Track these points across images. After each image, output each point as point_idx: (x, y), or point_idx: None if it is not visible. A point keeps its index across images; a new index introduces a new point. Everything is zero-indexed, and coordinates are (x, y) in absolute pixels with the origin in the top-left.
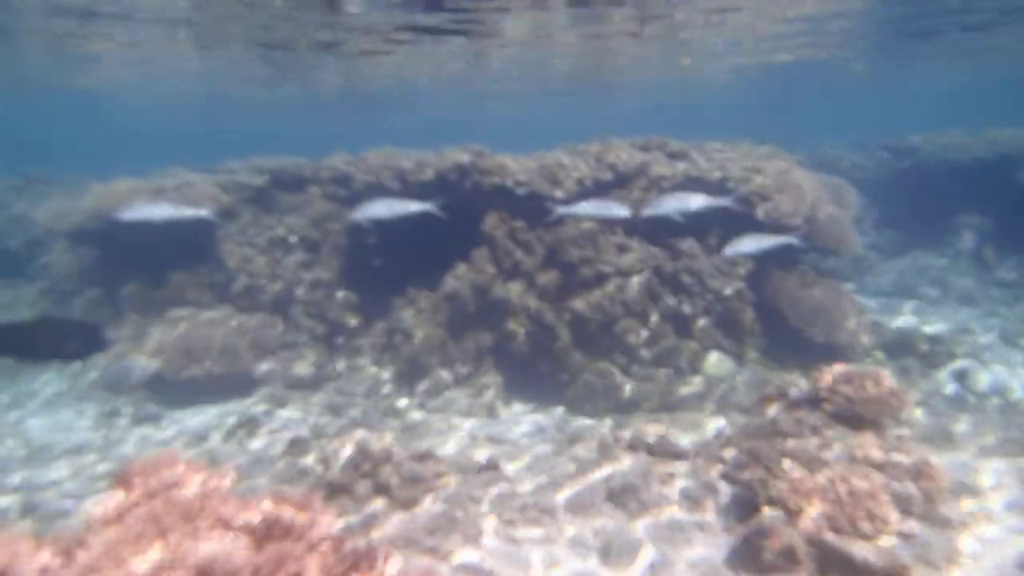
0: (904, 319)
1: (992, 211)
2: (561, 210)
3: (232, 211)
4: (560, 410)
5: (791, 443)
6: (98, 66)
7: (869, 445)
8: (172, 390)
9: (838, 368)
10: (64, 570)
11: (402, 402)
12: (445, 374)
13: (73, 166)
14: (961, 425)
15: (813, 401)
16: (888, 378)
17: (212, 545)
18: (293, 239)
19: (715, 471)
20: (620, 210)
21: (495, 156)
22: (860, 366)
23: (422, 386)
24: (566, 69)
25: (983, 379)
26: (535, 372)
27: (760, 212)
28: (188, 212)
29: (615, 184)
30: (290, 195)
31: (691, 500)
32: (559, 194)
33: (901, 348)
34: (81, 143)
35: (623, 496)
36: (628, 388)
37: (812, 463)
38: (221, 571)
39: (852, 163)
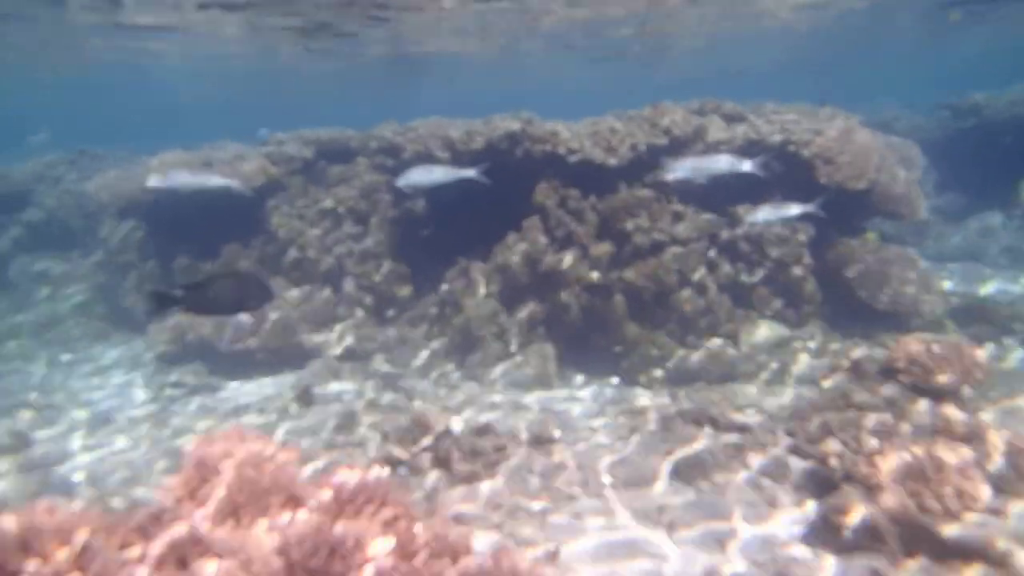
0: (973, 285)
1: None
2: (668, 175)
3: (281, 183)
4: (615, 381)
5: (867, 416)
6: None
7: (952, 418)
8: (227, 362)
9: (914, 337)
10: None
11: (455, 374)
12: (497, 345)
13: (117, 141)
14: None
15: (888, 372)
16: (969, 347)
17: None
18: (342, 210)
19: (784, 445)
20: (730, 164)
21: (546, 123)
22: (938, 336)
23: (475, 358)
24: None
25: None
26: (589, 343)
27: (823, 175)
28: (218, 181)
29: (671, 149)
30: (338, 166)
31: (762, 474)
32: (613, 161)
33: (972, 315)
34: (124, 118)
35: (690, 471)
36: (685, 359)
37: (891, 436)
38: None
39: (911, 124)
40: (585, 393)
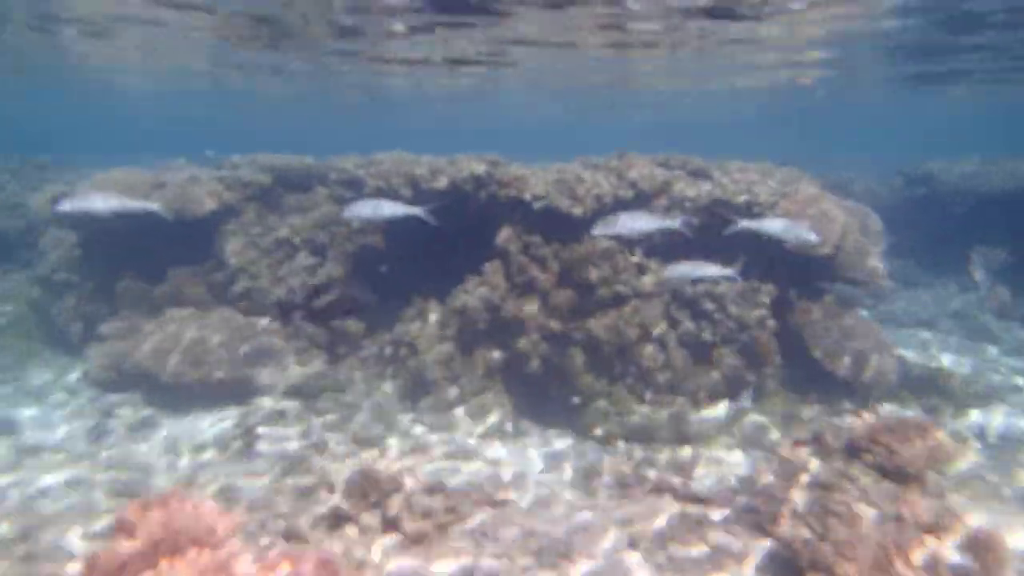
0: (925, 353)
1: (1011, 243)
2: (598, 231)
3: (235, 209)
4: (571, 435)
5: (832, 497)
6: (109, 52)
7: (917, 504)
8: (168, 394)
9: (877, 415)
10: None
11: (406, 417)
12: (452, 391)
13: (74, 154)
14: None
15: (851, 450)
16: (935, 429)
17: None
18: (298, 241)
19: (747, 521)
20: (659, 223)
21: (512, 167)
22: (900, 414)
23: (427, 402)
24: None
25: (1021, 424)
26: (546, 394)
27: (785, 240)
28: (136, 205)
29: (635, 202)
30: (296, 195)
31: (724, 553)
32: (577, 211)
33: (927, 386)
34: (84, 130)
35: (650, 544)
36: (643, 415)
37: (856, 522)
38: None
39: (865, 187)
40: (540, 446)
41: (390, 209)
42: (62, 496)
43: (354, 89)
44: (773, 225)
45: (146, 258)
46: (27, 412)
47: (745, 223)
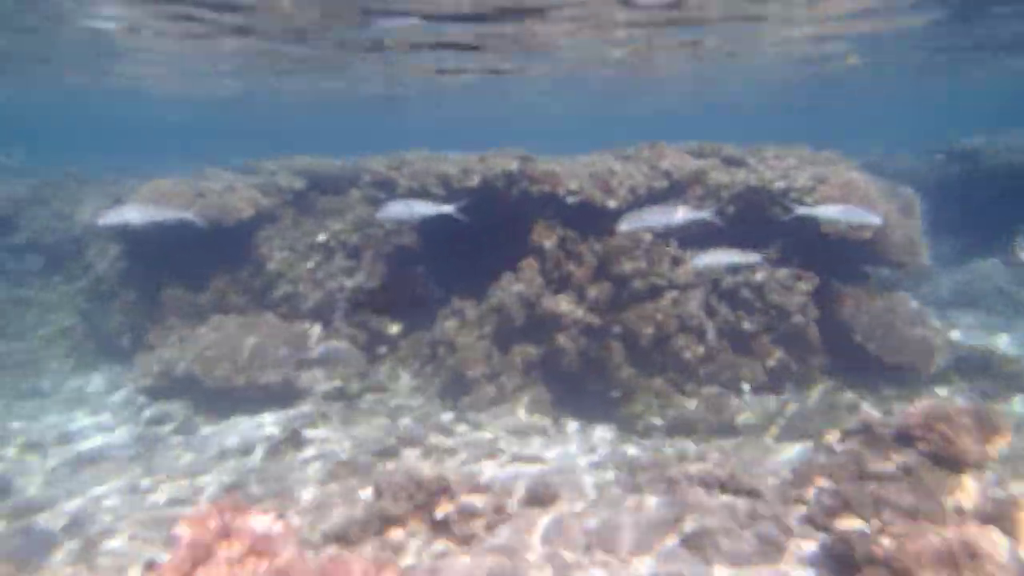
0: (971, 334)
1: None
2: (624, 226)
3: (272, 214)
4: (612, 429)
5: (886, 488)
6: (133, 58)
7: (976, 495)
8: (213, 399)
9: (932, 401)
10: None
11: (446, 416)
12: (491, 388)
13: (101, 160)
14: None
15: (904, 438)
16: (991, 414)
17: None
18: (334, 244)
19: (796, 514)
20: (686, 215)
21: (544, 162)
22: (949, 398)
23: (467, 400)
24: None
25: None
26: (585, 388)
27: (827, 224)
28: (172, 215)
29: (670, 192)
30: (330, 198)
31: (773, 546)
32: (612, 204)
33: (978, 368)
34: (109, 137)
35: (698, 539)
36: (684, 408)
37: (914, 514)
38: None
39: (903, 166)
40: (581, 441)
41: (422, 209)
42: (117, 504)
43: (373, 88)
44: (832, 211)
45: (188, 266)
46: (80, 420)
47: (803, 210)
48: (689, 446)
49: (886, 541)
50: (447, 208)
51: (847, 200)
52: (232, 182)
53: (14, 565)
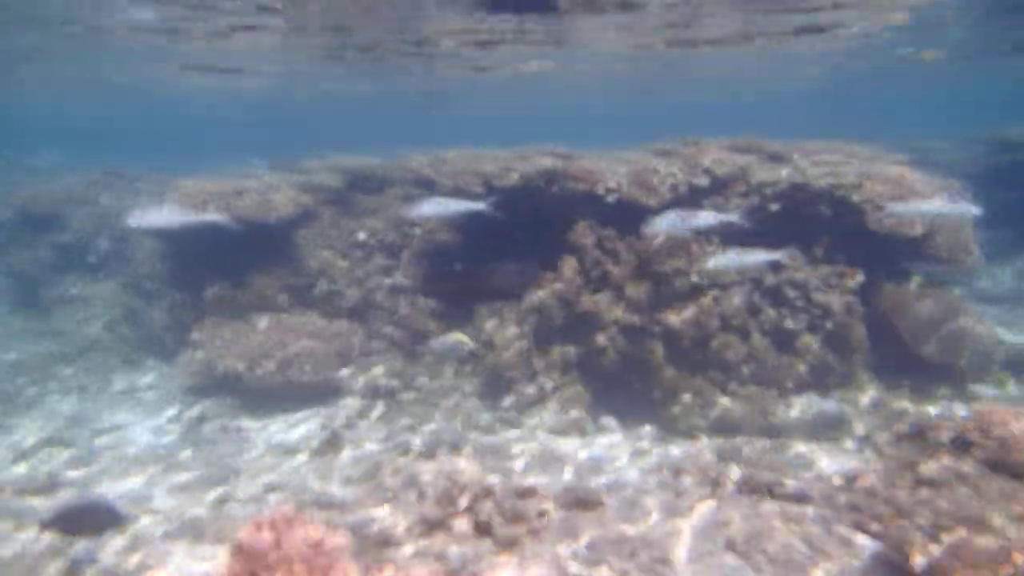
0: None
1: None
2: (648, 230)
3: (312, 213)
4: (652, 430)
5: (943, 496)
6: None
7: None
8: (255, 397)
9: (989, 407)
10: None
11: (486, 416)
12: (530, 388)
13: (140, 156)
14: None
15: (960, 443)
16: None
17: None
18: (374, 243)
19: (849, 521)
20: (712, 218)
21: (583, 159)
22: (1000, 398)
23: (507, 400)
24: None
25: None
26: (625, 388)
27: (874, 221)
28: (199, 217)
29: (711, 191)
30: (369, 197)
31: (826, 556)
32: (652, 202)
33: None
34: (146, 132)
35: (745, 545)
36: (727, 408)
37: (971, 523)
38: None
39: (949, 158)
40: (623, 443)
41: (452, 206)
42: (163, 501)
43: (412, 83)
44: (929, 206)
45: (230, 265)
46: (126, 418)
47: (898, 207)
48: (733, 447)
49: (941, 549)
50: (478, 205)
51: (897, 195)
52: (272, 181)
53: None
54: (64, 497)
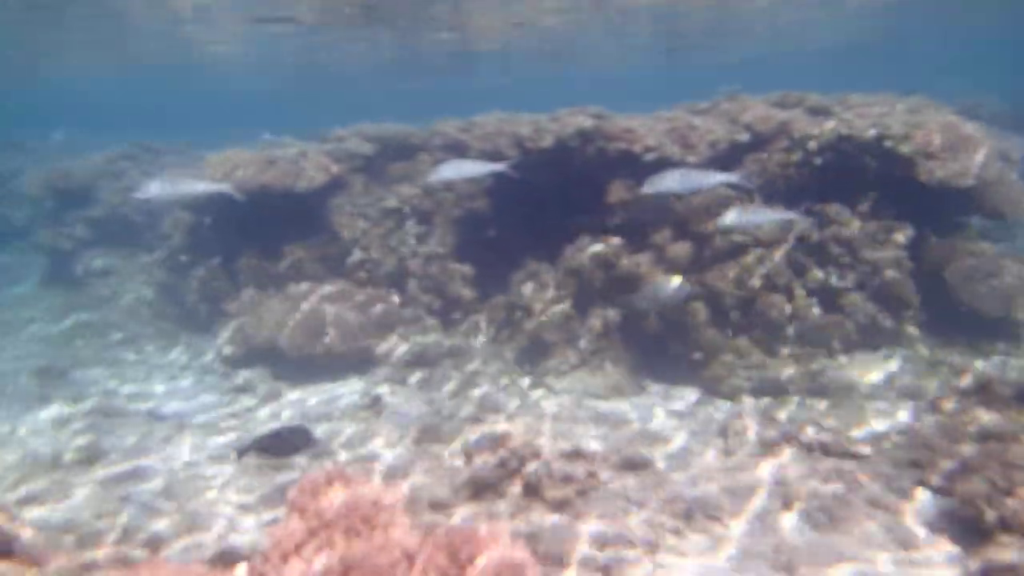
0: None
1: None
2: (648, 189)
3: (343, 181)
4: (696, 392)
5: (1013, 450)
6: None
7: None
8: (292, 367)
9: None
10: None
11: (525, 381)
12: (570, 352)
13: (168, 131)
14: None
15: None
16: None
17: None
18: (406, 210)
19: (912, 477)
20: (715, 177)
21: (619, 119)
22: None
23: (546, 364)
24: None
25: None
26: (667, 350)
27: (923, 172)
28: (205, 187)
29: (752, 146)
30: (400, 163)
31: (889, 511)
32: (692, 159)
33: None
34: (175, 106)
35: (803, 503)
36: (772, 369)
37: None
38: None
39: (999, 111)
40: (667, 404)
41: (471, 169)
42: (209, 470)
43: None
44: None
45: (263, 235)
46: (166, 389)
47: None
48: (781, 407)
49: (1017, 501)
50: (498, 166)
51: (948, 145)
52: (303, 149)
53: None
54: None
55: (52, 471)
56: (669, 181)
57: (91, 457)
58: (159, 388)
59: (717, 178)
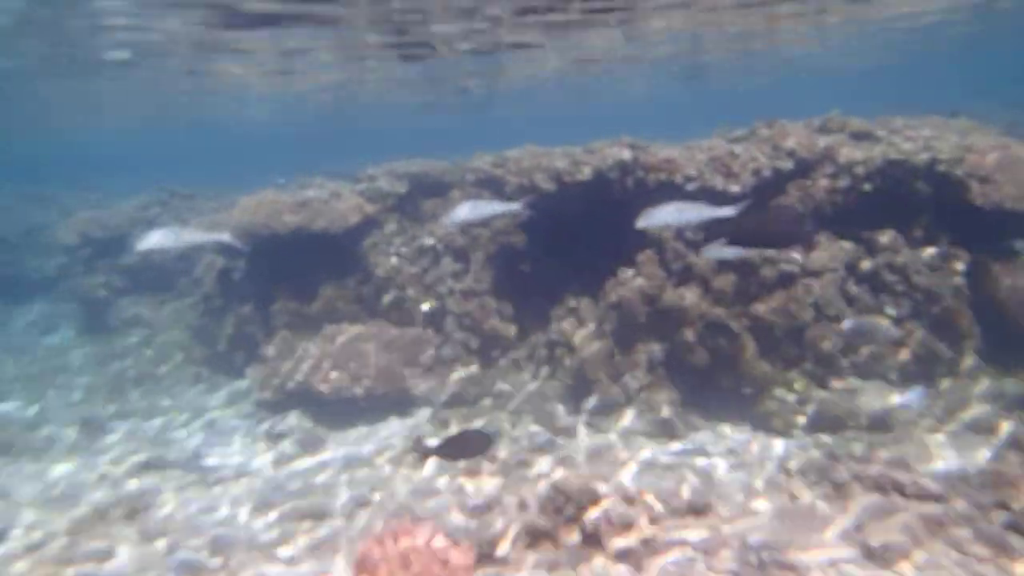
0: None
1: None
2: (644, 223)
3: (376, 220)
4: (747, 429)
5: None
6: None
7: None
8: (330, 410)
9: None
10: None
11: (569, 420)
12: (615, 389)
13: (184, 176)
14: None
15: None
16: None
17: None
18: (440, 247)
19: (998, 519)
20: (708, 211)
21: (658, 149)
22: None
23: (590, 403)
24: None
25: None
26: (715, 385)
27: (978, 196)
28: (204, 237)
29: (796, 173)
30: (433, 200)
31: (978, 559)
32: (734, 188)
33: None
34: (192, 152)
35: (885, 550)
36: (826, 402)
37: None
38: None
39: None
40: (720, 443)
41: (488, 209)
42: (251, 521)
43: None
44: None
45: (296, 277)
46: (202, 437)
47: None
48: (842, 443)
49: None
50: (514, 205)
51: (1002, 167)
52: (335, 189)
53: None
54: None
55: (99, 524)
56: (664, 215)
57: (134, 511)
58: (198, 436)
59: (713, 212)
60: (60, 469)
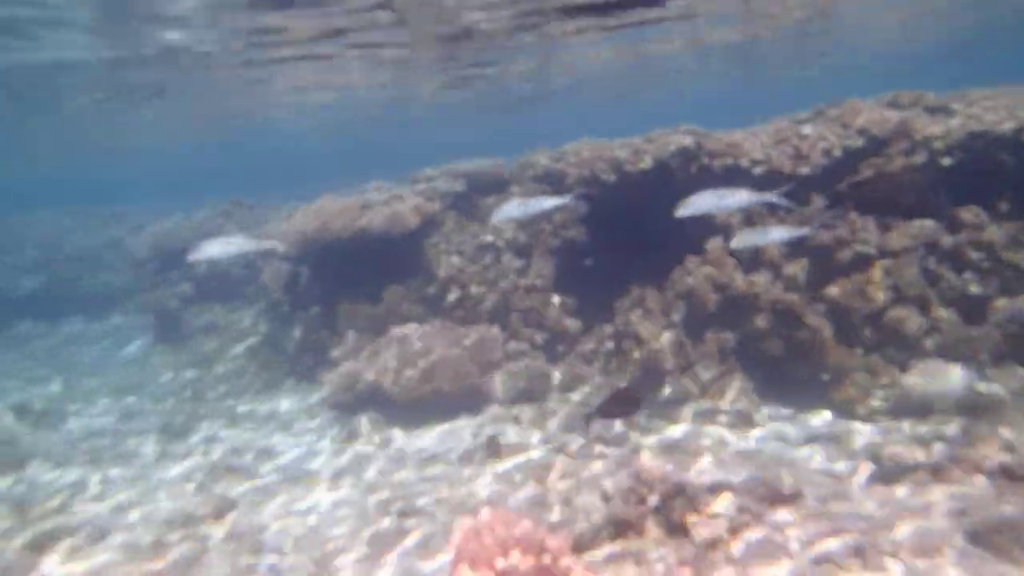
0: None
1: None
2: (682, 211)
3: (436, 220)
4: (827, 416)
5: None
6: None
7: None
8: (400, 409)
9: None
10: None
11: (644, 411)
12: (686, 380)
13: (238, 189)
14: None
15: None
16: None
17: None
18: (501, 244)
19: None
20: (749, 197)
21: (720, 134)
22: None
23: (662, 394)
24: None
25: None
26: (789, 372)
27: None
28: (253, 246)
29: (869, 151)
30: (491, 197)
31: None
32: (804, 170)
33: None
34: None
35: (1000, 536)
36: (911, 386)
37: None
38: None
39: None
40: (800, 430)
41: (536, 205)
42: (337, 520)
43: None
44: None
45: (360, 280)
46: (279, 440)
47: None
48: (934, 428)
49: None
50: (563, 200)
51: None
52: (394, 192)
53: None
54: None
55: (186, 527)
56: (703, 202)
57: (220, 512)
58: (274, 439)
59: (753, 197)
60: (149, 474)
